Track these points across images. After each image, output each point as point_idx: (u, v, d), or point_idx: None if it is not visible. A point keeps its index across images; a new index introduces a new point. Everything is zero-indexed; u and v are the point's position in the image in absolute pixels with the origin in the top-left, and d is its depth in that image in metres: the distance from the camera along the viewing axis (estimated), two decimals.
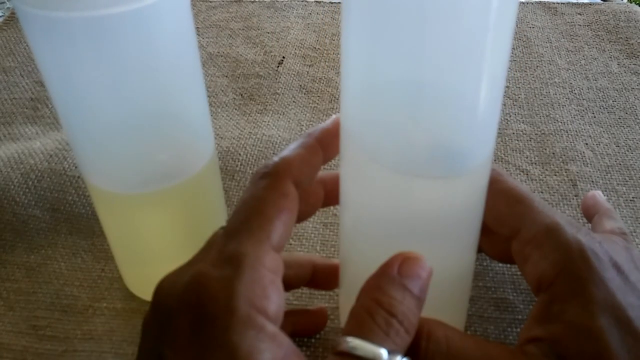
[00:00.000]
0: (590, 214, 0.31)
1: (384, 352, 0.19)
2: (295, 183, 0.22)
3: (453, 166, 0.21)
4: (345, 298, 0.29)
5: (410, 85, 0.19)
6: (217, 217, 0.32)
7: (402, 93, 0.19)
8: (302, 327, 0.29)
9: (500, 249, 0.29)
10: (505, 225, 0.26)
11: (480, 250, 0.30)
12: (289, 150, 0.23)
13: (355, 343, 0.19)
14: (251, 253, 0.20)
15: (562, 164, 0.40)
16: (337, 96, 0.48)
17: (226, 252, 0.20)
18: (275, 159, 0.23)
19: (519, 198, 0.25)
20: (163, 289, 0.21)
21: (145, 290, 0.32)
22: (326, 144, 0.24)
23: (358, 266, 0.26)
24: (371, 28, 0.19)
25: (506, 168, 0.40)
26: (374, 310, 0.20)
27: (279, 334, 0.19)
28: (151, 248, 0.30)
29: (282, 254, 0.22)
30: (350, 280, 0.27)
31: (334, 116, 0.24)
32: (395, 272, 0.20)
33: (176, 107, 0.26)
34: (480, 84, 0.19)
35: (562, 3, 0.59)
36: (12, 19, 0.57)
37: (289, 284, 0.27)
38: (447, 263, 0.24)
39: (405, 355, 0.20)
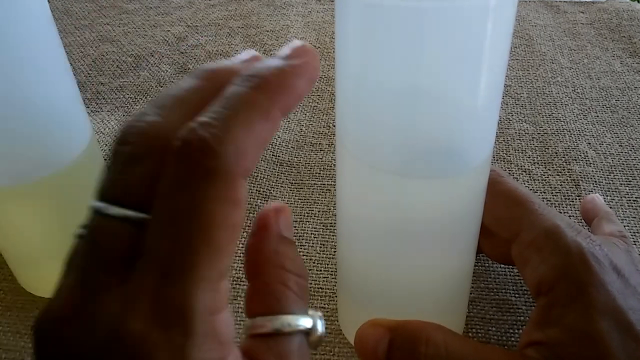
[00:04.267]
0: (589, 217, 0.31)
1: (317, 318, 0.16)
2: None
3: (452, 167, 0.21)
4: (344, 301, 0.28)
5: (407, 89, 0.19)
6: None
7: (399, 97, 0.19)
8: None
9: (501, 251, 0.28)
10: (505, 228, 0.25)
11: (480, 251, 0.29)
12: (233, 114, 0.15)
13: (283, 320, 0.16)
14: (201, 303, 0.14)
15: (564, 163, 0.40)
16: None
17: (167, 303, 0.14)
18: (215, 131, 0.14)
19: (519, 200, 0.25)
20: (56, 347, 0.14)
21: (39, 287, 0.33)
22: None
23: (357, 268, 0.25)
24: (366, 33, 0.18)
25: (508, 168, 0.40)
26: (285, 278, 0.17)
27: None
28: (31, 244, 0.30)
29: None
30: (349, 282, 0.27)
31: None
32: (280, 229, 0.17)
33: (37, 99, 0.26)
34: (479, 86, 0.19)
35: (564, 1, 0.59)
36: None
37: None
38: (446, 264, 0.24)
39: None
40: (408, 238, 0.23)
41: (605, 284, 0.22)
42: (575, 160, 0.40)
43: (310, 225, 0.36)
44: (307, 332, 0.16)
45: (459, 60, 0.18)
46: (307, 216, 0.36)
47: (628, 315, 0.21)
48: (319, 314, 0.17)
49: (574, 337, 0.21)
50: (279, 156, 0.41)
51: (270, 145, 0.42)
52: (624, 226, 0.35)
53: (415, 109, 0.19)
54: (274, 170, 0.40)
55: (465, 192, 0.22)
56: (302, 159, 0.41)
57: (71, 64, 0.34)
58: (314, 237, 0.35)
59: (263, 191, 0.38)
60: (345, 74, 0.20)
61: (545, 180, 0.39)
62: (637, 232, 0.35)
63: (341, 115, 0.22)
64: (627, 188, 0.38)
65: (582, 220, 0.33)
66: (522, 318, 0.30)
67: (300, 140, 0.43)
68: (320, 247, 0.35)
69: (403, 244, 0.23)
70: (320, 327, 0.17)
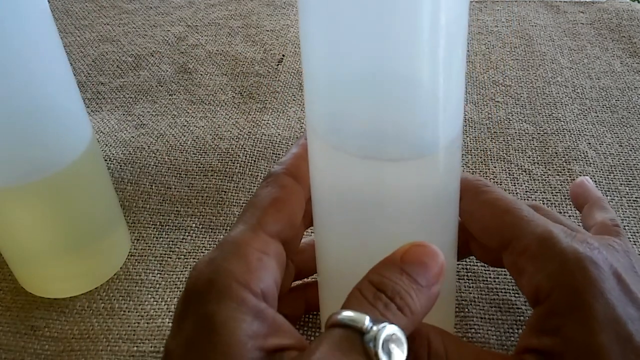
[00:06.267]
0: (579, 203, 0.30)
1: (366, 318, 0.18)
2: (293, 176, 0.23)
3: (421, 147, 0.21)
4: (324, 294, 0.28)
5: (370, 72, 0.19)
6: (103, 209, 0.32)
7: (363, 80, 0.19)
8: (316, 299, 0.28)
9: (494, 257, 0.27)
10: (494, 238, 0.25)
11: (474, 256, 0.29)
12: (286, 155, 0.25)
13: (342, 314, 0.19)
14: (238, 236, 0.21)
15: (564, 163, 0.40)
16: None
17: (220, 241, 0.22)
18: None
19: (506, 208, 0.24)
20: None
21: (37, 287, 0.32)
22: None
23: (334, 259, 0.25)
24: (328, 19, 0.19)
25: (508, 168, 0.40)
26: (364, 287, 0.20)
27: (265, 310, 0.19)
28: (31, 244, 0.30)
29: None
30: (326, 273, 0.26)
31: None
32: (396, 258, 0.20)
33: (37, 99, 0.26)
34: (437, 64, 0.19)
35: (564, 1, 0.59)
36: None
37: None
38: None
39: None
40: (385, 223, 0.22)
41: (605, 291, 0.21)
42: (575, 160, 0.40)
43: None
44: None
45: (415, 39, 0.18)
46: None
47: (627, 326, 0.21)
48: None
49: (573, 349, 0.21)
50: (278, 153, 0.41)
51: (270, 143, 0.42)
52: (624, 226, 0.35)
53: (378, 90, 0.19)
54: None
55: (437, 172, 0.22)
56: None
57: (71, 64, 0.34)
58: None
59: None
60: (310, 64, 0.20)
61: (545, 180, 0.39)
62: (637, 232, 0.35)
63: (309, 100, 0.22)
64: (627, 188, 0.38)
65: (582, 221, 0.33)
66: (522, 318, 0.30)
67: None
68: None
69: (381, 230, 0.23)
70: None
